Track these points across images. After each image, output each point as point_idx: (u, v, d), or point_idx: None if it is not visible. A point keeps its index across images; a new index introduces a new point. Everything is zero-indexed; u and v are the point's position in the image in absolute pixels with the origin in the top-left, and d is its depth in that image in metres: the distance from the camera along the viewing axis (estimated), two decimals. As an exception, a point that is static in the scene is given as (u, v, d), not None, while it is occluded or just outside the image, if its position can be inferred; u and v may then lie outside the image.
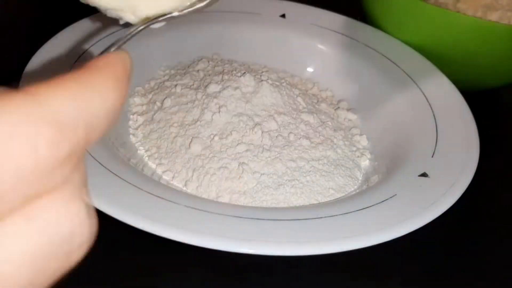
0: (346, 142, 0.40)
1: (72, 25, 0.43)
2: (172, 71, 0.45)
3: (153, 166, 0.37)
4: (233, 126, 0.38)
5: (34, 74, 0.37)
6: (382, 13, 0.50)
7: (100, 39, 0.43)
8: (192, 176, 0.36)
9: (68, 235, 0.14)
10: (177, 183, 0.36)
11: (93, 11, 0.45)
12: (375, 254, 0.35)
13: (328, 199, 0.36)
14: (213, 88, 0.40)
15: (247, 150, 0.37)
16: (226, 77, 0.41)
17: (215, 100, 0.39)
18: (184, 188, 0.36)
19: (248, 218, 0.30)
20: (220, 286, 0.32)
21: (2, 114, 0.12)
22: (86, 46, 0.41)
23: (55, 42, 0.41)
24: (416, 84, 0.44)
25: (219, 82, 0.40)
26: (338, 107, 0.45)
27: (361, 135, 0.42)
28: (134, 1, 0.29)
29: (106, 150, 0.34)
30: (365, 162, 0.40)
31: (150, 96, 0.42)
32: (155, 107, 0.41)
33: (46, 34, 0.41)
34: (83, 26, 0.44)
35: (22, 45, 0.48)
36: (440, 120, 0.40)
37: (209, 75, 0.43)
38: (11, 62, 0.47)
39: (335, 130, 0.41)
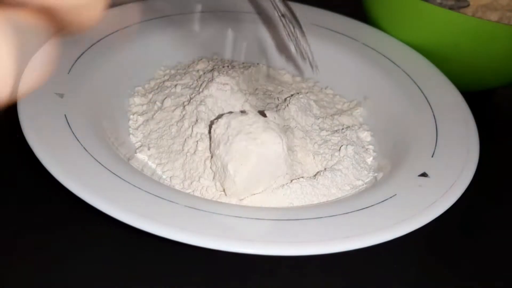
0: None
1: (72, 25, 0.43)
2: (172, 71, 0.45)
3: (153, 166, 0.37)
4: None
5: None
6: (382, 13, 0.50)
7: (100, 39, 0.43)
8: (192, 176, 0.36)
9: None
10: (177, 183, 0.36)
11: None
12: (375, 254, 0.35)
13: (332, 198, 0.36)
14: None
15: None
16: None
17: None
18: (184, 188, 0.36)
19: (248, 218, 0.30)
20: (220, 286, 0.32)
21: None
22: (86, 46, 0.41)
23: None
24: (416, 84, 0.44)
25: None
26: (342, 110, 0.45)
27: (364, 130, 0.42)
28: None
29: (106, 150, 0.34)
30: (369, 159, 0.40)
31: (150, 96, 0.42)
32: (155, 107, 0.41)
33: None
34: (83, 26, 0.43)
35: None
36: (440, 120, 0.40)
37: (204, 73, 0.43)
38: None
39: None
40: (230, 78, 0.40)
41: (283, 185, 0.35)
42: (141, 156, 0.38)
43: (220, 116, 0.36)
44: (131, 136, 0.40)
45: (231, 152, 0.33)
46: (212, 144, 0.35)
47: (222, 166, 0.34)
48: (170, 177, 0.36)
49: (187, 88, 0.41)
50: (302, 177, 0.36)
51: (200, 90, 0.40)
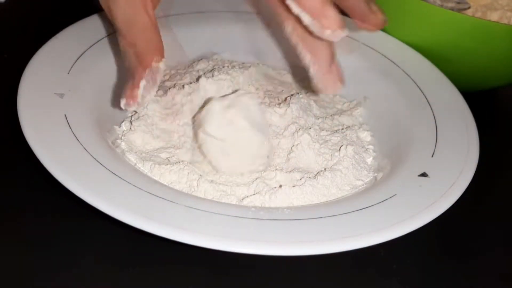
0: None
1: (72, 25, 0.43)
2: (172, 71, 0.45)
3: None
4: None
5: (35, 74, 0.37)
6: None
7: (100, 39, 0.43)
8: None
9: None
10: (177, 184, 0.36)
11: (93, 11, 0.45)
12: (375, 254, 0.35)
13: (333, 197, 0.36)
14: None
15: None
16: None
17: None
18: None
19: (248, 218, 0.30)
20: (220, 286, 0.32)
21: None
22: (86, 46, 0.41)
23: (55, 42, 0.41)
24: (416, 84, 0.44)
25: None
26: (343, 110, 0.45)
27: (364, 130, 0.42)
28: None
29: (106, 150, 0.34)
30: (369, 159, 0.40)
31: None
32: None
33: (46, 34, 0.41)
34: (83, 26, 0.43)
35: (23, 45, 0.48)
36: (440, 120, 0.40)
37: (204, 73, 0.43)
38: (11, 62, 0.47)
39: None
40: (230, 78, 0.40)
41: (282, 185, 0.35)
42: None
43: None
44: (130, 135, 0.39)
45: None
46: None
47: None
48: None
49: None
50: (302, 177, 0.36)
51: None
